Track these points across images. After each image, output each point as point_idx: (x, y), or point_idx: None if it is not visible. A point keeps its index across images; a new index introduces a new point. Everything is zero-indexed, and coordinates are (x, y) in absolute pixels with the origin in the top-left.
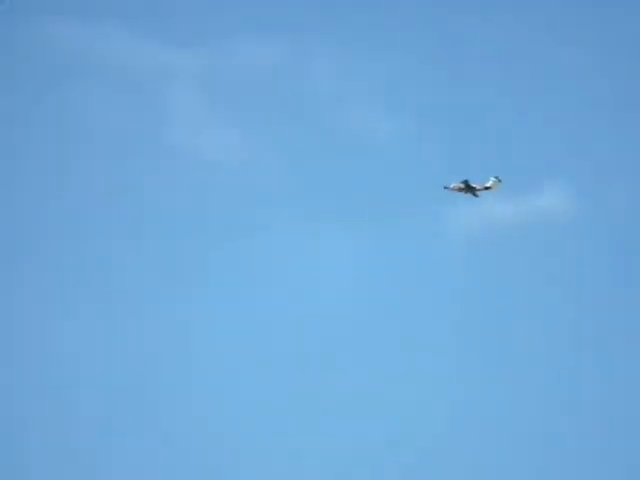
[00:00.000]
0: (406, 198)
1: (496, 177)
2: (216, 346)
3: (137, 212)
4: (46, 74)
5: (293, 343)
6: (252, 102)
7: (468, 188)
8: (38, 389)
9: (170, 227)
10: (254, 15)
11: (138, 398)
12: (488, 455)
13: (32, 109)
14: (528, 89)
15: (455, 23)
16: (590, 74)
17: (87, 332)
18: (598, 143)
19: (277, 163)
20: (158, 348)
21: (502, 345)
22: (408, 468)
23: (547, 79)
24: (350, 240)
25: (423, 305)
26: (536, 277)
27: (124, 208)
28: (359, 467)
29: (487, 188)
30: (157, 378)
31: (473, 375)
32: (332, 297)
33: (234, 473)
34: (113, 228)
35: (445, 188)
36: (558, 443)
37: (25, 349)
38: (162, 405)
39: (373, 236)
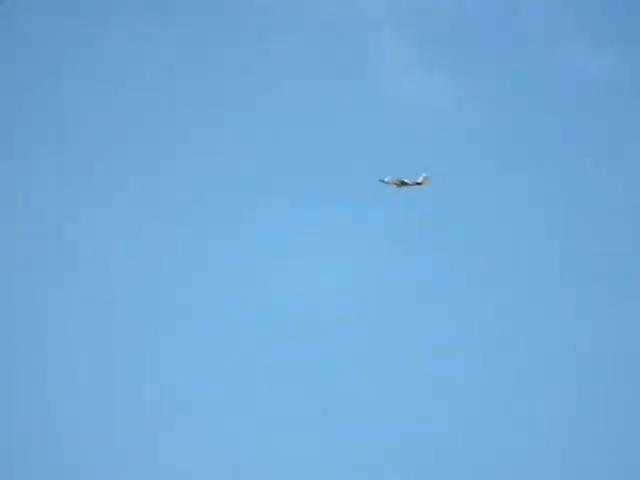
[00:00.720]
0: (619, 140)
1: (426, 175)
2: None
3: (342, 157)
4: (252, 28)
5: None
6: (460, 46)
7: (402, 183)
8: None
9: (371, 171)
10: None
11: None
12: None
13: (241, 62)
14: None
15: None
16: None
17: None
18: None
19: (484, 108)
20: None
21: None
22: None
23: None
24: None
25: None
26: None
27: (334, 154)
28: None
29: (418, 184)
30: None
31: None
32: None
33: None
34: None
35: (380, 181)
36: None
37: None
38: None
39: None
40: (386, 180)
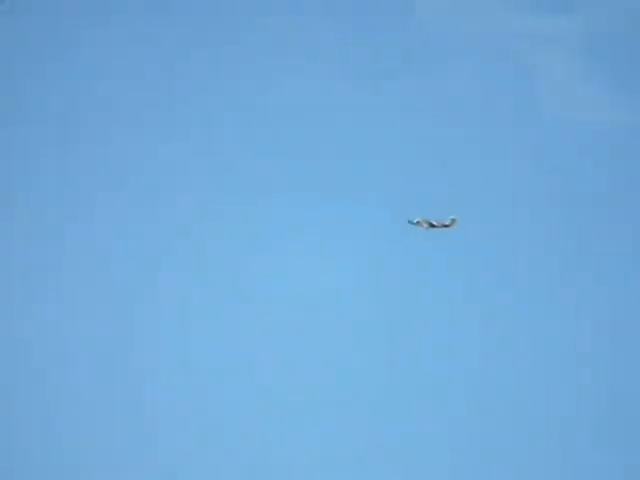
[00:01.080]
0: None
1: (454, 217)
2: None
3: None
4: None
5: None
6: (632, 63)
7: (430, 225)
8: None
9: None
10: None
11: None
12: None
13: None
14: None
15: None
16: None
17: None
18: None
19: None
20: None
21: None
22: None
23: None
24: None
25: None
26: None
27: (479, 176)
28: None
29: (446, 226)
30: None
31: None
32: None
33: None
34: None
35: (410, 222)
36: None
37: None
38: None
39: None
40: (415, 221)
